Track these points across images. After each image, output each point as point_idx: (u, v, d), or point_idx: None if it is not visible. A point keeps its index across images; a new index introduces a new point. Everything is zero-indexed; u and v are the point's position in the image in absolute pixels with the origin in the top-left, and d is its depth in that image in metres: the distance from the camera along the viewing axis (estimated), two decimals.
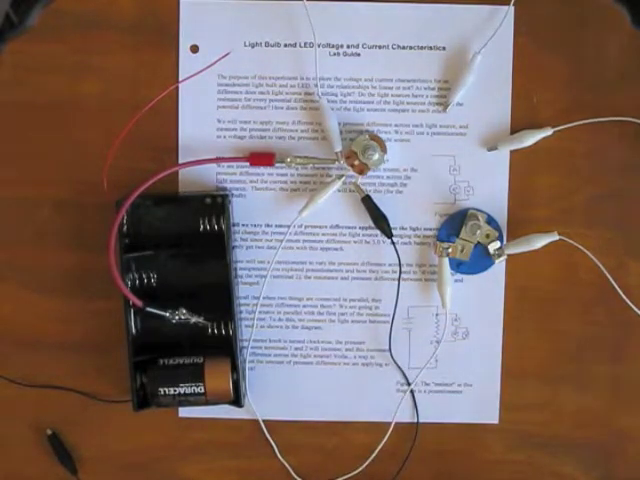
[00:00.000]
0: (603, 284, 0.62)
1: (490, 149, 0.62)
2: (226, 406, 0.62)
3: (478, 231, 0.62)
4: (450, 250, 0.62)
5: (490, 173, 0.63)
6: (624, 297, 0.61)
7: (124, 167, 0.62)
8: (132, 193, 0.59)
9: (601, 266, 0.61)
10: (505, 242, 0.62)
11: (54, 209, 0.63)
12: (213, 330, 0.62)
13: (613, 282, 0.61)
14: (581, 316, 0.63)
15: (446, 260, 0.62)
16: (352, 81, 0.62)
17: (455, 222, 0.62)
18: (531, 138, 0.61)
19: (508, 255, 0.61)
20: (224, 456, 0.65)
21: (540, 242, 0.61)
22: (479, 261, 0.62)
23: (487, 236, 0.62)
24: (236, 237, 0.63)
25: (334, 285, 0.63)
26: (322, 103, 0.61)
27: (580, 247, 0.60)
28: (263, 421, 0.64)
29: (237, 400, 0.61)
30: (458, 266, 0.62)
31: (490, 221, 0.62)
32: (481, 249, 0.62)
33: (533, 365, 0.64)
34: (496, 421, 0.64)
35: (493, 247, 0.62)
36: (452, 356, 0.64)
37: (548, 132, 0.61)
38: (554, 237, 0.61)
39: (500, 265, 0.63)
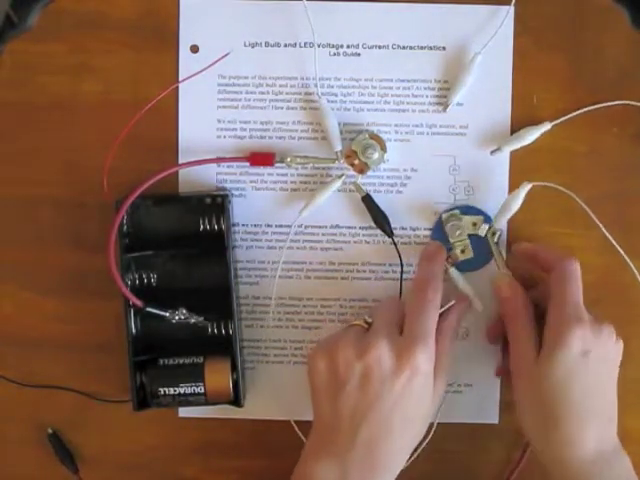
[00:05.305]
0: (605, 283, 0.62)
1: (493, 152, 0.62)
2: (226, 406, 0.62)
3: (458, 231, 0.61)
4: (450, 259, 0.61)
5: (490, 173, 0.62)
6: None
7: (124, 167, 0.62)
8: (132, 193, 0.59)
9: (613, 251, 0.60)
10: (499, 233, 0.61)
11: (54, 209, 0.63)
12: (213, 330, 0.62)
13: (633, 269, 0.61)
14: None
15: (453, 270, 0.61)
16: (352, 81, 0.62)
17: (439, 232, 0.62)
18: (531, 135, 0.61)
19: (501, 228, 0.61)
20: (224, 456, 0.65)
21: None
22: (481, 254, 0.62)
23: (474, 224, 0.61)
24: (236, 237, 0.63)
25: (334, 285, 0.63)
26: (322, 103, 0.61)
27: (591, 213, 0.60)
28: (263, 421, 0.64)
29: (237, 400, 0.61)
30: (465, 264, 0.62)
31: (467, 210, 0.62)
32: (475, 239, 0.61)
33: None
34: (496, 421, 0.64)
35: (483, 230, 0.61)
36: (452, 356, 0.63)
37: (547, 127, 0.61)
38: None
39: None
